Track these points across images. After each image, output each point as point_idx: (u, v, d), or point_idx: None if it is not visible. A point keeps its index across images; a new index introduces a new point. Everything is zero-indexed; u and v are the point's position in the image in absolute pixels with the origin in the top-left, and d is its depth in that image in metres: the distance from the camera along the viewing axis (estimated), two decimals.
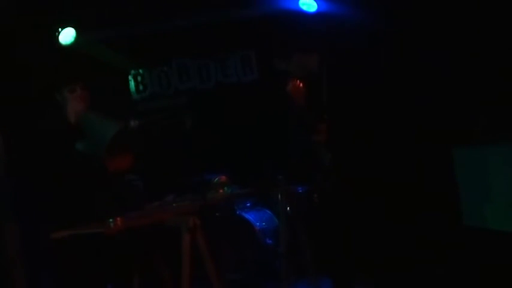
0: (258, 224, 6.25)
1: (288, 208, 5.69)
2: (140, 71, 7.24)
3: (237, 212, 6.37)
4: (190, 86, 7.27)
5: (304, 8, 6.55)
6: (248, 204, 6.55)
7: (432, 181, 6.31)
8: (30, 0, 5.82)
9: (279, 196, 5.64)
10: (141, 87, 7.23)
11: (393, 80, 6.39)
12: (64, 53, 6.13)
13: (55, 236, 4.38)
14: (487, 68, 5.98)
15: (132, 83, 7.21)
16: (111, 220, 4.43)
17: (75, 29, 6.14)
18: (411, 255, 6.01)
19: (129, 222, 4.55)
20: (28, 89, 5.85)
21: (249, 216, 6.31)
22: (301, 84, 5.16)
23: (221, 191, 5.40)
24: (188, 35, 6.97)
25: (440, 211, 6.25)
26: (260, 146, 6.33)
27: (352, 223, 5.98)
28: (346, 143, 5.99)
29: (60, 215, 4.73)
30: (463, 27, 6.01)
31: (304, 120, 5.32)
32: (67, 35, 6.12)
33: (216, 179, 5.62)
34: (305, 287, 5.46)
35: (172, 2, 6.56)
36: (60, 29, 6.07)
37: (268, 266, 6.11)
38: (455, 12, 5.99)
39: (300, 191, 5.84)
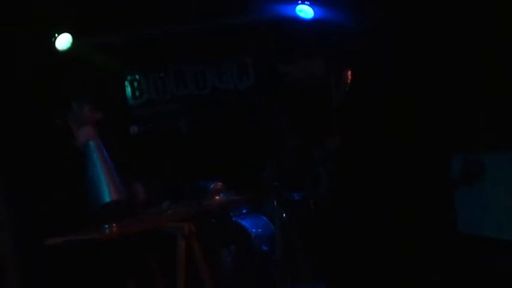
0: (253, 230, 6.23)
1: (284, 214, 5.70)
2: (136, 76, 7.21)
3: (233, 219, 6.35)
4: (187, 92, 7.25)
5: (301, 14, 6.56)
6: (244, 211, 6.53)
7: (428, 187, 6.31)
8: (26, 5, 5.81)
9: (275, 203, 5.65)
10: (137, 93, 7.20)
11: (392, 86, 6.38)
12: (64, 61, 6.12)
13: (50, 242, 4.37)
14: (487, 74, 5.99)
15: (128, 89, 7.18)
16: (106, 226, 4.43)
17: (71, 34, 6.13)
18: (406, 261, 6.00)
19: (125, 228, 4.54)
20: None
21: (244, 222, 6.29)
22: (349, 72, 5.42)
23: (217, 197, 5.41)
24: (185, 41, 6.97)
25: (435, 218, 6.24)
26: (257, 153, 6.34)
27: (347, 229, 5.98)
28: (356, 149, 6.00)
29: (54, 218, 4.72)
30: (463, 30, 6.00)
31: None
32: (63, 41, 6.11)
33: (212, 185, 5.62)
34: None
35: (169, 8, 6.55)
36: (56, 35, 6.05)
37: (264, 273, 6.10)
38: (457, 12, 5.98)
39: (296, 197, 5.84)
